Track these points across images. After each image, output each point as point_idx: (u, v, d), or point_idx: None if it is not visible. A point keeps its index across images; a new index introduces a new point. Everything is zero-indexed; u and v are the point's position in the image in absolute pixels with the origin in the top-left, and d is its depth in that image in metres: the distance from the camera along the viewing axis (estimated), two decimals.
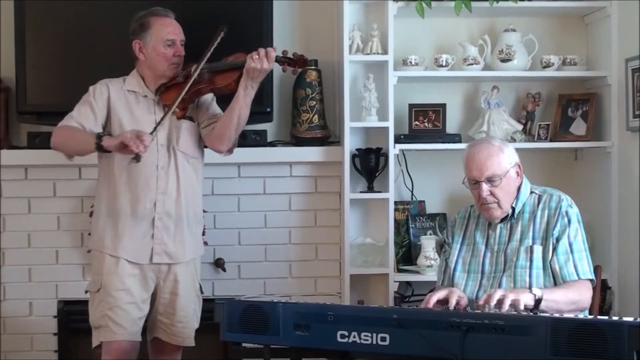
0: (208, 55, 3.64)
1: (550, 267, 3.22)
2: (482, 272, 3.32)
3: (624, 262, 4.43)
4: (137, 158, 3.47)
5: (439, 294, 3.17)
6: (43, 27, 4.35)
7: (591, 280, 3.25)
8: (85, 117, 3.65)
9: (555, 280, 3.22)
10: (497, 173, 3.25)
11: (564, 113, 4.69)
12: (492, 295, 2.97)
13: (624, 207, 4.44)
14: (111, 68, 3.90)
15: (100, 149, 3.55)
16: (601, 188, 4.57)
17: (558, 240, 3.23)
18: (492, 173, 3.25)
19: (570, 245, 3.23)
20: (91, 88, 3.72)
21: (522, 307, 2.96)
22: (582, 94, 4.72)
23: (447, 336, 2.71)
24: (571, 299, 3.14)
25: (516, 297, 2.97)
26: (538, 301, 3.02)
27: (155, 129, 3.56)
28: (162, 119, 3.60)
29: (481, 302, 3.00)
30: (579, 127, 4.64)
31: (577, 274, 3.21)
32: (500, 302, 2.95)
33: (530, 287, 3.11)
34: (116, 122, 3.67)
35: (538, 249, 3.24)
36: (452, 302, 3.12)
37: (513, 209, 3.31)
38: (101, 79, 3.76)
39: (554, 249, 3.22)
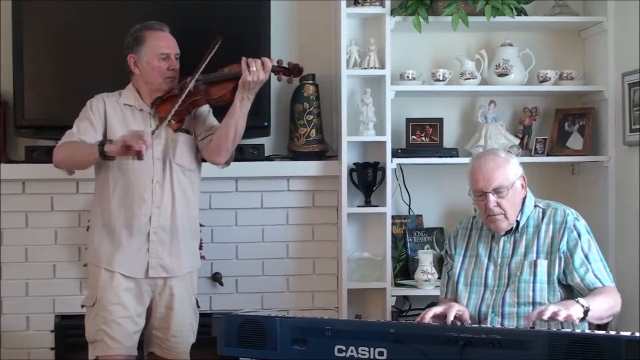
0: (203, 66, 3.63)
1: (571, 282, 3.22)
2: (485, 285, 3.31)
3: (621, 276, 4.42)
4: (139, 156, 3.41)
5: (436, 309, 3.15)
6: (41, 42, 4.36)
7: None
8: (85, 132, 3.64)
9: (579, 292, 3.21)
10: (504, 184, 3.25)
11: (560, 127, 4.70)
12: (544, 311, 2.93)
13: (621, 221, 4.45)
14: (109, 82, 3.90)
15: (103, 155, 3.50)
16: (598, 202, 4.58)
17: (572, 254, 3.23)
18: (499, 184, 3.25)
19: (586, 256, 3.23)
20: (88, 103, 3.72)
21: (576, 322, 2.95)
22: (579, 108, 4.73)
23: (444, 351, 2.70)
24: (610, 305, 3.15)
25: (568, 311, 2.94)
26: (586, 311, 3.01)
27: (154, 132, 3.55)
28: (157, 127, 3.59)
29: (534, 317, 2.96)
30: (575, 141, 4.65)
31: (601, 282, 3.21)
32: (553, 317, 2.93)
33: (577, 300, 3.07)
34: (112, 136, 3.66)
35: (542, 263, 3.24)
36: (450, 318, 3.10)
37: (517, 222, 3.31)
38: (98, 94, 3.77)
39: (570, 264, 3.22)
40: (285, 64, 3.70)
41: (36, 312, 4.43)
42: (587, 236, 3.28)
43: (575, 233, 3.26)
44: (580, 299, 3.06)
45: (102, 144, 3.51)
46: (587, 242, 3.26)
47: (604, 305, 3.12)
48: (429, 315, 3.10)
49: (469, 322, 3.18)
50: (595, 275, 3.22)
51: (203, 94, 3.68)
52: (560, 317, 2.91)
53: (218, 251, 4.48)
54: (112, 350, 3.59)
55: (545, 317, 2.91)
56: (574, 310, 2.98)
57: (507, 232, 3.33)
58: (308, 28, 4.70)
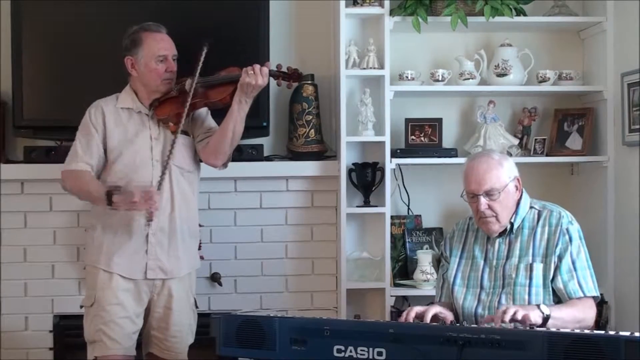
0: (198, 71, 3.63)
1: (554, 286, 3.21)
2: (481, 287, 3.31)
3: (620, 277, 4.43)
4: (149, 217, 3.51)
5: (418, 309, 3.15)
6: (40, 42, 4.36)
7: (595, 297, 3.24)
8: (89, 153, 3.64)
9: (560, 298, 3.21)
10: (496, 187, 3.23)
11: (560, 128, 4.70)
12: (505, 312, 2.95)
13: (620, 222, 4.44)
14: (108, 83, 3.90)
15: (110, 205, 3.52)
16: (597, 202, 4.57)
17: (560, 258, 3.21)
18: (490, 187, 3.23)
19: (574, 263, 3.22)
20: (87, 113, 3.70)
21: (527, 324, 2.94)
22: (578, 108, 4.73)
23: (443, 351, 2.70)
24: (576, 318, 3.12)
25: (526, 312, 2.95)
26: (546, 319, 3.00)
27: (160, 183, 3.56)
28: (162, 176, 3.58)
29: (494, 320, 2.98)
30: (575, 141, 4.65)
31: (582, 291, 3.20)
32: (511, 317, 2.94)
33: (538, 305, 3.08)
34: (112, 141, 3.66)
35: (538, 267, 3.23)
36: (427, 318, 3.10)
37: (512, 223, 3.30)
38: (98, 94, 3.76)
39: (557, 268, 3.21)
40: (284, 69, 3.69)
41: (35, 312, 4.43)
42: (578, 242, 3.26)
43: (567, 237, 3.24)
44: (542, 306, 3.06)
45: (109, 194, 3.51)
46: (577, 248, 3.25)
47: (569, 317, 3.10)
48: (411, 315, 3.11)
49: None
50: (579, 283, 3.21)
51: (201, 97, 3.68)
52: (517, 317, 2.92)
53: (217, 251, 4.48)
54: (110, 351, 3.60)
55: (507, 319, 2.92)
56: (533, 314, 2.98)
57: (502, 234, 3.32)
58: (307, 28, 4.70)
